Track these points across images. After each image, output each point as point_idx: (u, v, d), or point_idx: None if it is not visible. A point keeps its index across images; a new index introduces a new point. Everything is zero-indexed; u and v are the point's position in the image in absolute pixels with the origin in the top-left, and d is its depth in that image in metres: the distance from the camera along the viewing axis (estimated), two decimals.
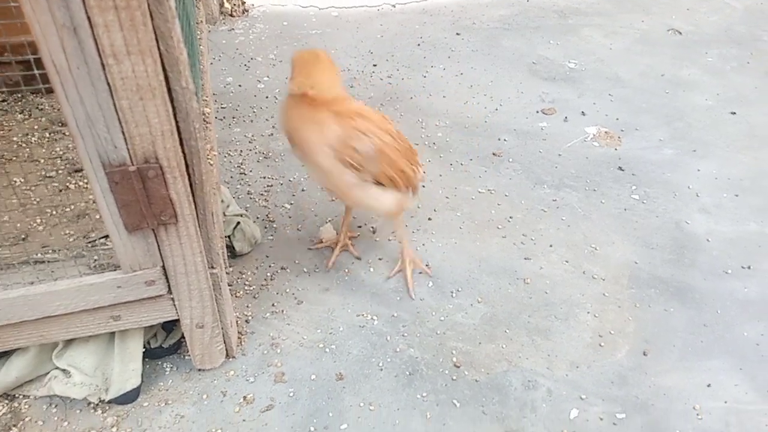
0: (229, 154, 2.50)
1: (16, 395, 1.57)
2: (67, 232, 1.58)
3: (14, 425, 1.51)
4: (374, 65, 3.14)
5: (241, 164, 2.45)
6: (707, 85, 3.00)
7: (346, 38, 3.37)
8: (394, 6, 3.69)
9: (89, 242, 1.52)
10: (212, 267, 1.41)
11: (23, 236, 1.55)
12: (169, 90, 1.08)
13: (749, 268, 2.00)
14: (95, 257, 1.37)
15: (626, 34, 3.45)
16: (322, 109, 1.54)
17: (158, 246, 1.29)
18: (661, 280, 1.95)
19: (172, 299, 1.42)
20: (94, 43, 0.97)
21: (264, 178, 2.39)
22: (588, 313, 1.85)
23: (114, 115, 1.06)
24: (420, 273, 1.96)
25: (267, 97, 2.88)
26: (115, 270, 1.33)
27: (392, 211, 1.78)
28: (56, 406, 1.56)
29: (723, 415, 1.57)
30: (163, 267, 1.34)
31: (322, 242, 2.06)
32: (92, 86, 1.01)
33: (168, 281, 1.37)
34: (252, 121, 2.72)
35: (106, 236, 1.56)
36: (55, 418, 1.54)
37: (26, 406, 1.56)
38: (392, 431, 1.53)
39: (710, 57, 3.24)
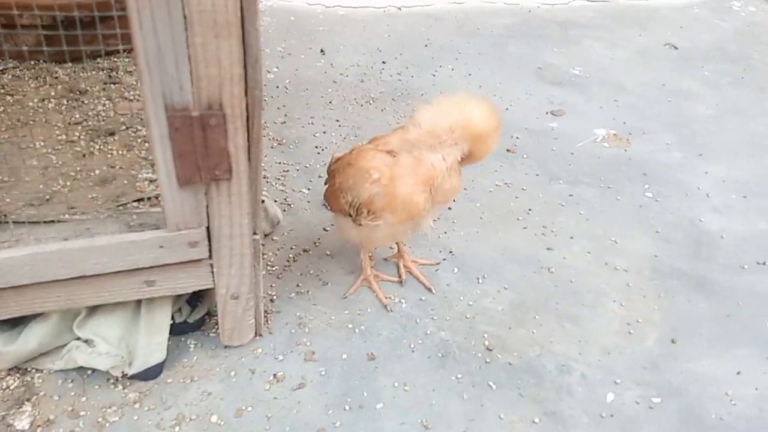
0: None
1: (28, 369, 1.47)
2: (93, 195, 1.50)
3: (27, 399, 1.41)
4: (383, 63, 3.14)
5: None
6: (706, 96, 3.10)
7: (354, 36, 3.37)
8: (399, 9, 3.71)
9: (120, 205, 1.45)
10: (254, 233, 1.36)
11: (47, 197, 1.47)
12: (243, 30, 1.04)
13: (764, 264, 2.04)
14: (134, 216, 1.30)
15: (626, 47, 3.54)
16: None
17: (207, 204, 1.23)
18: (681, 273, 1.97)
19: (211, 265, 1.35)
20: None
21: (279, 163, 2.33)
22: (614, 302, 1.85)
23: (185, 52, 1.02)
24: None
25: (277, 87, 2.84)
26: (156, 230, 1.26)
27: None
28: (72, 380, 1.46)
29: (755, 401, 1.58)
30: (208, 228, 1.28)
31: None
32: (168, 17, 0.97)
33: (210, 244, 1.30)
34: (264, 109, 2.65)
35: (139, 200, 1.49)
36: (72, 393, 1.44)
37: (40, 380, 1.45)
38: (429, 411, 1.49)
39: (706, 71, 3.35)
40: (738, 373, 1.66)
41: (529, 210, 2.22)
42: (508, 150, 2.55)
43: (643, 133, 2.74)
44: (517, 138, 2.63)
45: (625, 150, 2.62)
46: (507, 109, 2.84)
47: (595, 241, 2.09)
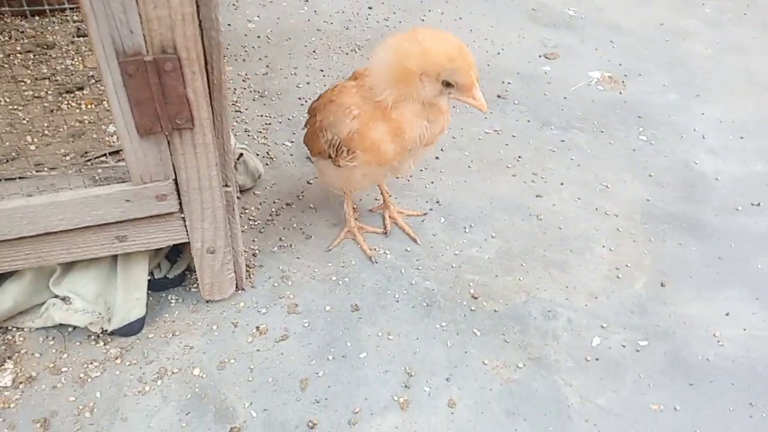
0: None
1: (9, 327, 1.46)
2: (62, 151, 1.46)
3: (9, 357, 1.41)
4: (369, 8, 3.02)
5: (236, 102, 2.33)
6: (706, 34, 2.98)
7: None
8: None
9: (87, 160, 1.40)
10: (226, 185, 1.32)
11: (14, 154, 1.42)
12: None
13: (758, 205, 1.99)
14: (99, 170, 1.25)
15: None
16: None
17: (171, 156, 1.19)
18: (673, 216, 1.93)
19: (183, 219, 1.32)
20: None
21: (261, 116, 2.27)
22: (603, 247, 1.82)
23: None
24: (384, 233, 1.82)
25: (259, 37, 2.74)
26: (122, 183, 1.22)
27: None
28: (53, 338, 1.46)
29: (743, 342, 1.57)
30: (176, 181, 1.24)
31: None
32: None
33: (180, 197, 1.27)
34: (245, 60, 2.58)
35: (105, 155, 1.45)
36: (53, 350, 1.43)
37: (21, 339, 1.45)
38: (413, 359, 1.48)
39: (707, 8, 3.21)
40: (727, 314, 1.64)
41: (519, 157, 2.16)
42: (498, 96, 2.47)
43: (639, 75, 2.65)
44: (509, 83, 2.55)
45: (620, 92, 2.54)
46: (499, 53, 2.74)
47: (585, 186, 2.04)
